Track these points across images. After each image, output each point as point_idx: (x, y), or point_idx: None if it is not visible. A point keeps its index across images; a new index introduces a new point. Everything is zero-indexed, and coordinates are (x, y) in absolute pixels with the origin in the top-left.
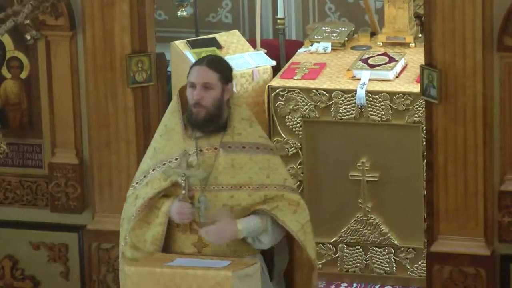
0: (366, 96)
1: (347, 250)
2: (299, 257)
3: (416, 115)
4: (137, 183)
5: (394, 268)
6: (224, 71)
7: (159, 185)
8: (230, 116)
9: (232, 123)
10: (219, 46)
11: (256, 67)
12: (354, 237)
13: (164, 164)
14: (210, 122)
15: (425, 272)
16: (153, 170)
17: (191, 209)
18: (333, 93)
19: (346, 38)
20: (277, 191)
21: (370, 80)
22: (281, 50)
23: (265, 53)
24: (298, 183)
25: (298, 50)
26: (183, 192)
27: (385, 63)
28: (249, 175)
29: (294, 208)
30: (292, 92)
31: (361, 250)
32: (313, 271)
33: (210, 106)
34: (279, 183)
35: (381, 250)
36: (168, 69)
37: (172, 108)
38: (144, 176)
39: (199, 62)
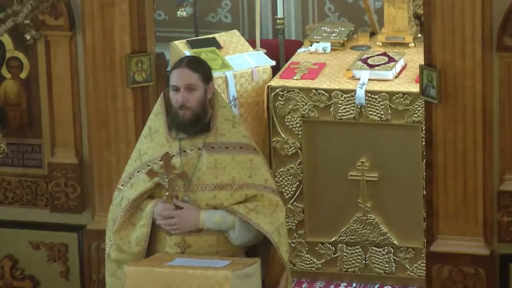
0: (365, 96)
1: (347, 250)
2: (271, 260)
3: (415, 115)
4: (122, 185)
5: (393, 268)
6: (204, 70)
7: (143, 187)
8: (214, 117)
9: (215, 124)
10: (218, 46)
11: (256, 67)
12: (353, 237)
13: (149, 165)
14: (196, 122)
15: (424, 272)
16: (138, 172)
17: (172, 211)
18: (333, 93)
19: (346, 38)
20: (257, 191)
21: (369, 80)
22: (280, 50)
23: (265, 53)
24: (298, 183)
25: (298, 50)
26: (166, 193)
27: (385, 63)
28: (232, 175)
29: (273, 209)
30: (291, 92)
31: (360, 250)
32: (284, 272)
33: (195, 106)
34: (260, 183)
35: (381, 250)
36: (168, 69)
37: (156, 110)
38: (129, 178)
39: (178, 64)
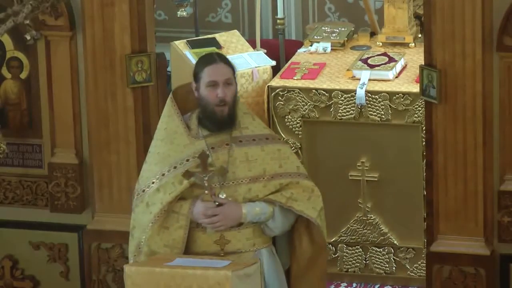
0: (365, 96)
1: (347, 250)
2: (297, 249)
3: (415, 115)
4: (143, 191)
5: (393, 268)
6: (233, 66)
7: (176, 189)
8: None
9: (237, 118)
10: (219, 46)
11: (256, 67)
12: (353, 237)
13: (175, 167)
14: (232, 118)
15: (424, 272)
16: (163, 175)
17: (215, 209)
18: (333, 93)
19: (346, 38)
20: (291, 179)
21: (369, 80)
22: (280, 50)
23: (265, 53)
24: None
25: (298, 50)
26: (206, 192)
27: (385, 63)
28: (263, 166)
29: (309, 195)
30: (291, 92)
31: (360, 250)
32: (323, 255)
33: (231, 102)
34: (293, 171)
35: (381, 250)
36: (168, 69)
37: (168, 112)
38: (153, 183)
39: (211, 60)
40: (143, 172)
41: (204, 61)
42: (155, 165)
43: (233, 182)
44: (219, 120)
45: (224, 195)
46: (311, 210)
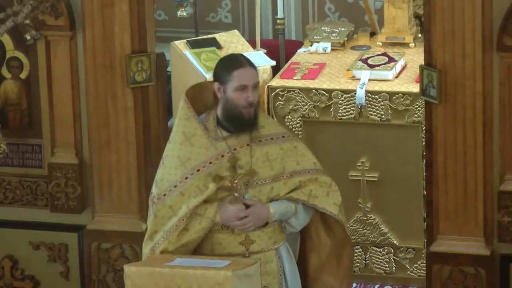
0: (365, 96)
1: None
2: (315, 241)
3: (415, 115)
4: (165, 195)
5: (393, 268)
6: (256, 67)
7: (202, 192)
8: None
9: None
10: (219, 46)
11: (256, 67)
12: (353, 237)
13: (198, 170)
14: (257, 119)
15: (424, 272)
16: (186, 178)
17: (246, 212)
18: (333, 93)
19: (346, 38)
20: (311, 175)
21: (369, 80)
22: (280, 50)
23: (265, 53)
24: None
25: (298, 50)
26: (236, 194)
27: (385, 63)
28: (282, 165)
29: (327, 190)
30: (291, 92)
31: (360, 250)
32: (350, 248)
33: (256, 103)
34: (310, 167)
35: (381, 250)
36: (168, 69)
37: (185, 115)
38: (175, 186)
39: (240, 64)
40: (163, 176)
41: (231, 64)
42: (175, 169)
43: (257, 183)
44: (246, 122)
45: (249, 196)
46: (332, 206)
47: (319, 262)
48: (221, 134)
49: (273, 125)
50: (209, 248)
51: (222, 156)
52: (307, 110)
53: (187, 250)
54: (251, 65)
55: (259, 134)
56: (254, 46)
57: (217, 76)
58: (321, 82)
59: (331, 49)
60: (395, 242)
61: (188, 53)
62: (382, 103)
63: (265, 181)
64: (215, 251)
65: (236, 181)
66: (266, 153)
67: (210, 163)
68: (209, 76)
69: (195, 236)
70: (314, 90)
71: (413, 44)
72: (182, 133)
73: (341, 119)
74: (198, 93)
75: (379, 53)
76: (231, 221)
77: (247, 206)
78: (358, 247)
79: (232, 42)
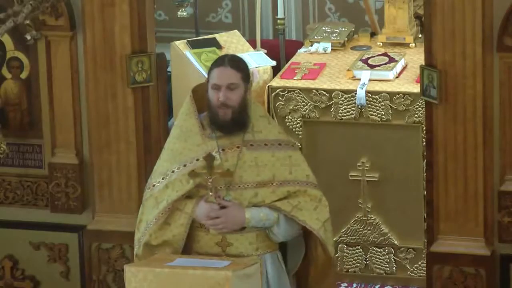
0: (366, 96)
1: (347, 250)
2: (313, 253)
3: (416, 115)
4: (154, 186)
5: (394, 268)
6: (245, 70)
7: (182, 188)
8: (249, 114)
9: (251, 121)
10: (219, 46)
11: (256, 67)
12: (354, 237)
13: (185, 165)
14: (237, 122)
15: (425, 272)
16: (173, 171)
17: (219, 211)
18: (333, 93)
19: (346, 38)
20: (300, 187)
21: (370, 80)
22: (281, 50)
23: (265, 53)
24: None
25: (298, 50)
26: (210, 193)
27: (385, 63)
28: (272, 172)
29: (316, 204)
30: (292, 92)
31: (361, 250)
32: (331, 268)
33: (236, 106)
34: (302, 179)
35: (381, 250)
36: (168, 69)
37: (186, 110)
38: (163, 178)
39: (220, 63)
40: (156, 167)
41: (215, 62)
42: (166, 161)
43: (239, 186)
44: (221, 122)
45: (230, 198)
46: (314, 221)
47: (316, 275)
48: (214, 133)
49: (273, 131)
50: (190, 245)
51: (214, 156)
52: (307, 110)
53: (175, 249)
54: (234, 66)
55: (253, 138)
56: (254, 46)
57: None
58: (322, 82)
59: (332, 49)
60: (395, 242)
61: (189, 53)
62: (382, 103)
63: (248, 185)
64: (194, 249)
65: (210, 180)
66: (255, 158)
67: (197, 160)
68: None
69: (176, 232)
70: (314, 90)
71: (413, 44)
72: (180, 127)
73: (341, 119)
74: (204, 91)
75: (380, 53)
76: (202, 219)
77: (224, 207)
78: (359, 247)
79: (232, 42)
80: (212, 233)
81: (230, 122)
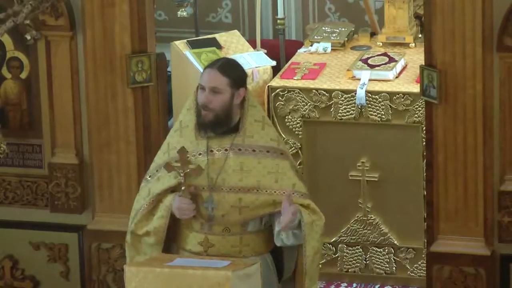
0: (366, 96)
1: (347, 250)
2: (300, 269)
3: (416, 115)
4: (150, 177)
5: (394, 268)
6: (235, 76)
7: (168, 182)
8: (243, 117)
9: (244, 125)
10: (219, 46)
11: (256, 67)
12: (354, 237)
13: (177, 161)
14: (217, 125)
15: (425, 272)
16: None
17: (189, 205)
18: (333, 93)
19: (346, 38)
20: (295, 198)
21: (370, 80)
22: (281, 50)
23: (265, 53)
24: None
25: (298, 50)
26: (182, 188)
27: (385, 63)
28: (257, 179)
29: (312, 219)
30: (292, 92)
31: (361, 250)
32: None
33: (218, 109)
34: (288, 188)
35: (381, 250)
36: (168, 69)
37: (188, 105)
38: (157, 171)
39: (211, 65)
40: (156, 159)
41: (209, 63)
42: (163, 154)
43: (222, 188)
44: (201, 122)
45: (212, 199)
46: (310, 249)
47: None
48: (207, 133)
49: (265, 137)
50: (180, 243)
51: (200, 154)
52: (307, 110)
53: (157, 240)
54: (222, 71)
55: (242, 142)
56: (254, 46)
57: None
58: (322, 82)
59: (331, 49)
60: (395, 242)
61: (188, 53)
62: (382, 103)
63: (230, 189)
64: (181, 246)
65: (182, 174)
66: (240, 163)
67: (187, 157)
68: None
69: (157, 224)
70: (314, 90)
71: (413, 44)
72: (180, 122)
73: (341, 119)
74: None
75: (380, 53)
76: (175, 211)
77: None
78: (359, 247)
79: (232, 42)
80: (196, 232)
81: (209, 124)
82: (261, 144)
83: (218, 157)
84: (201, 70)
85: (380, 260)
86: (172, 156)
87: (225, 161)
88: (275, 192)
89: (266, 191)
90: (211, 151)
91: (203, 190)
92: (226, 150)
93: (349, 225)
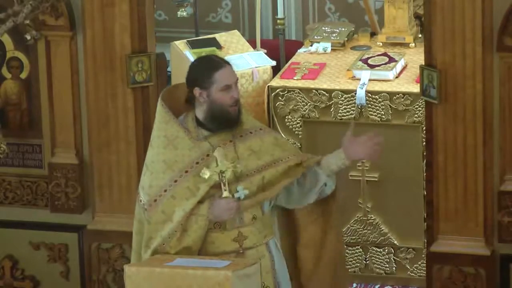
0: (366, 96)
1: (347, 250)
2: (305, 236)
3: (416, 115)
4: (155, 200)
5: (394, 268)
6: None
7: (194, 194)
8: None
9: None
10: (219, 46)
11: (256, 67)
12: (354, 237)
13: (187, 171)
14: (240, 114)
15: (425, 272)
16: (175, 181)
17: (236, 202)
18: (333, 93)
19: (346, 38)
20: (301, 157)
21: (370, 80)
22: (281, 50)
23: (265, 53)
24: None
25: (298, 50)
26: (224, 188)
27: (385, 63)
28: (270, 153)
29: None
30: (292, 92)
31: (361, 250)
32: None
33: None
34: (294, 151)
35: (381, 250)
36: (168, 69)
37: (164, 119)
38: (165, 191)
39: (218, 65)
40: (151, 182)
41: (210, 66)
42: (163, 173)
43: (247, 174)
44: (233, 119)
45: (241, 188)
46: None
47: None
48: (202, 134)
49: (250, 119)
50: (203, 248)
51: (208, 155)
52: (307, 110)
53: (192, 252)
54: (227, 63)
55: (240, 130)
56: (254, 46)
57: (195, 82)
58: (321, 82)
59: (331, 49)
60: (395, 242)
61: (188, 53)
62: (382, 103)
63: (254, 171)
64: (209, 250)
65: (223, 175)
66: (249, 146)
67: (197, 163)
68: None
69: (194, 236)
70: (314, 90)
71: (413, 44)
72: (165, 137)
73: (341, 119)
74: (174, 95)
75: (380, 53)
76: (223, 214)
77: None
78: (359, 247)
79: (232, 42)
80: (229, 230)
81: (238, 117)
82: (252, 126)
83: (228, 150)
84: None
85: (380, 260)
86: (178, 170)
87: (236, 150)
88: (288, 158)
89: (282, 160)
90: (219, 146)
91: (230, 183)
92: (230, 141)
93: (349, 225)
